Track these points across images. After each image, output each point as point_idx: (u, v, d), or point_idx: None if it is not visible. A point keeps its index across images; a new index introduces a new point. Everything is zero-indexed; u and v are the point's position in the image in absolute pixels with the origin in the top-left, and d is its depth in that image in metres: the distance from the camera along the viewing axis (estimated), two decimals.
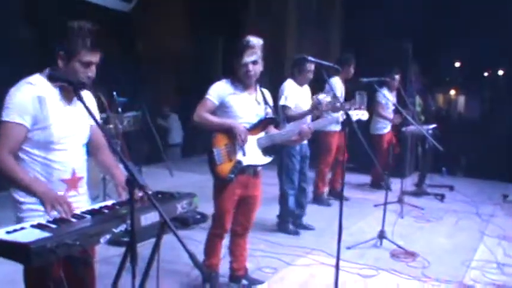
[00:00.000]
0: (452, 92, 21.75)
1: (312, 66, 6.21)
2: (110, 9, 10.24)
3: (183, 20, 12.83)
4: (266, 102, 4.44)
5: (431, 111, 10.07)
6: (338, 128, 7.63)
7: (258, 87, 4.44)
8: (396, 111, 8.72)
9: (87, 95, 3.15)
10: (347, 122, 4.09)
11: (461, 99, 21.21)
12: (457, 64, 19.05)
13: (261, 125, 4.40)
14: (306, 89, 6.45)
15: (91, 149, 3.28)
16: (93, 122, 3.10)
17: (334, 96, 5.93)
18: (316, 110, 5.81)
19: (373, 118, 8.78)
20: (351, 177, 9.87)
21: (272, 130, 4.46)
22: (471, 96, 19.91)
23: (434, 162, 9.55)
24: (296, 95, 6.24)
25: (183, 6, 12.79)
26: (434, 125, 8.94)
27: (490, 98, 17.45)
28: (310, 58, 4.76)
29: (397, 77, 8.91)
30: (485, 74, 19.06)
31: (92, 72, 2.95)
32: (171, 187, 7.79)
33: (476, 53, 14.51)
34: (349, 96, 7.71)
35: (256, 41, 4.23)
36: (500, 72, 18.50)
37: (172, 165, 9.85)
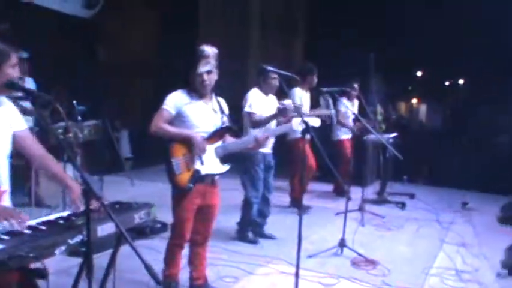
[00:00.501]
0: (414, 101, 21.98)
1: (275, 75, 6.11)
2: (71, 16, 10.09)
3: (149, 27, 12.80)
4: (222, 111, 4.47)
5: (392, 120, 10.08)
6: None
7: (213, 96, 4.48)
8: (356, 120, 8.83)
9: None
10: (306, 130, 4.09)
11: (423, 108, 21.35)
12: (419, 73, 19.31)
13: (218, 134, 4.45)
14: (272, 98, 6.43)
15: (29, 159, 3.18)
16: (18, 129, 3.02)
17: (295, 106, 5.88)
18: (282, 115, 5.78)
19: (333, 126, 8.86)
20: (314, 186, 9.80)
21: (229, 139, 4.53)
22: (432, 105, 20.08)
23: (396, 170, 9.58)
24: (261, 104, 6.23)
25: (148, 13, 12.73)
26: (395, 134, 9.06)
27: (450, 107, 17.65)
28: (269, 68, 4.96)
29: (355, 86, 9.02)
30: (447, 83, 19.30)
31: (17, 72, 2.90)
32: (132, 197, 7.67)
33: (438, 63, 14.69)
34: (315, 105, 8.14)
35: (210, 51, 4.25)
36: (461, 82, 18.77)
37: (134, 175, 9.77)
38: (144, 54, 12.53)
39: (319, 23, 12.56)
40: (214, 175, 4.45)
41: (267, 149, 6.22)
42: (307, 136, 4.10)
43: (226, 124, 4.48)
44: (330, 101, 7.80)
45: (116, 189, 8.60)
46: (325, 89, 7.29)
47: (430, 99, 20.26)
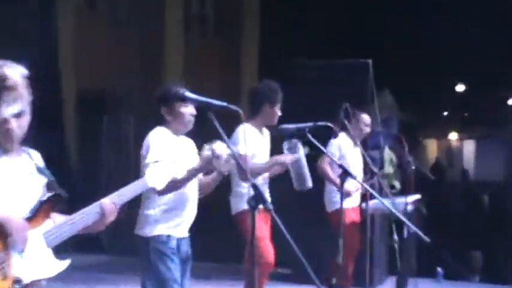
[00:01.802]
0: (453, 136, 21.72)
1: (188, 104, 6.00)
2: None
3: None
4: (41, 171, 4.32)
5: (410, 172, 9.39)
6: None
7: (24, 149, 4.33)
8: (345, 174, 7.93)
9: None
10: (256, 196, 4.33)
11: (469, 147, 21.40)
12: (460, 88, 18.85)
13: (43, 209, 4.22)
14: (184, 140, 6.20)
15: None
16: None
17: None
18: (207, 168, 5.75)
19: (326, 186, 8.66)
20: None
21: (58, 218, 4.30)
22: (486, 142, 20.02)
23: (422, 259, 9.65)
24: (169, 147, 5.97)
25: None
26: (416, 196, 8.85)
27: None
28: (184, 93, 5.20)
29: (345, 115, 8.52)
30: (511, 101, 19.22)
31: None
32: None
33: (490, 69, 14.75)
34: (276, 152, 7.84)
35: (16, 77, 3.99)
36: None
37: None
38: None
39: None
40: (43, 280, 4.19)
41: (182, 231, 5.96)
42: (261, 207, 4.33)
43: (54, 191, 4.20)
44: (299, 148, 7.40)
45: None
46: (289, 126, 6.81)
47: (481, 132, 20.20)
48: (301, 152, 7.34)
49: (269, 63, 14.22)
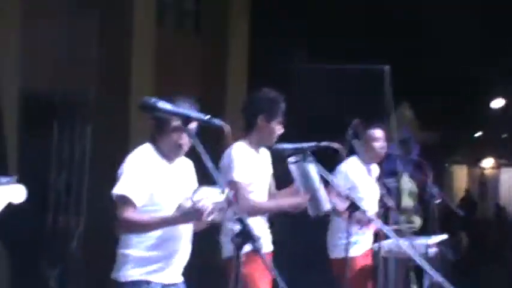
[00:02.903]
0: (488, 163, 21.84)
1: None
2: None
3: None
4: None
5: (434, 206, 9.37)
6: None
7: None
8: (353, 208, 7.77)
9: None
10: (242, 234, 4.45)
11: (507, 177, 21.44)
12: (497, 104, 19.21)
13: None
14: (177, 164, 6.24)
15: None
16: None
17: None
18: (189, 219, 5.67)
19: (331, 225, 8.71)
20: None
21: None
22: None
23: None
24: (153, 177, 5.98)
25: None
26: (441, 237, 8.79)
27: None
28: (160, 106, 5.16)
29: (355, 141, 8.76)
30: None
31: None
32: None
33: None
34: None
35: None
36: None
37: None
38: None
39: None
40: None
41: (170, 276, 5.90)
42: (248, 249, 4.42)
43: None
44: (309, 166, 7.33)
45: None
46: (286, 146, 6.91)
47: None
48: (311, 166, 7.25)
49: (261, 67, 14.25)
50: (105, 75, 13.25)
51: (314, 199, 7.24)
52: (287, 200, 7.40)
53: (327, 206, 7.33)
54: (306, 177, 7.26)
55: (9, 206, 13.02)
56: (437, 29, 14.39)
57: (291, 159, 7.24)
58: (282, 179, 7.27)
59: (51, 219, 13.36)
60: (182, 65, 15.19)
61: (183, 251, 5.76)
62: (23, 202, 13.52)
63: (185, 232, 5.88)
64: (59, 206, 13.21)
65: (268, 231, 7.17)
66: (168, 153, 6.07)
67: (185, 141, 5.92)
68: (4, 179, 4.78)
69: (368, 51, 11.94)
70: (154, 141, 6.03)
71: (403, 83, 10.62)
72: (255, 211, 6.86)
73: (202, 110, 5.28)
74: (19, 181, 11.31)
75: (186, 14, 16.91)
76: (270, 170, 7.19)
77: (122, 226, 5.78)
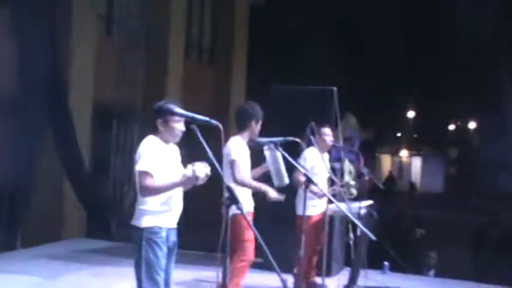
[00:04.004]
0: (404, 153, 21.91)
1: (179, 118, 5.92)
2: None
3: None
4: None
5: (365, 182, 9.36)
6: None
7: None
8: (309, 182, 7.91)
9: None
10: (231, 198, 4.52)
11: (416, 163, 21.43)
12: (411, 114, 19.11)
13: None
14: (172, 147, 6.11)
15: None
16: None
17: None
18: (191, 184, 5.62)
19: (297, 195, 8.40)
20: (255, 278, 8.74)
21: None
22: (430, 158, 20.01)
23: (372, 254, 9.45)
24: (158, 155, 5.93)
25: None
26: (368, 202, 8.75)
27: (457, 160, 17.36)
28: (172, 108, 5.35)
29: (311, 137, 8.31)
30: (451, 126, 19.02)
31: None
32: None
33: (438, 98, 14.80)
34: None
35: None
36: (472, 125, 18.39)
37: None
38: None
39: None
40: None
41: (171, 222, 5.89)
42: (234, 210, 4.60)
43: None
44: (277, 155, 7.41)
45: None
46: (262, 140, 7.19)
47: (426, 150, 20.23)
48: (279, 153, 7.37)
49: (254, 87, 14.34)
50: (148, 93, 13.82)
51: (279, 175, 7.39)
52: (263, 186, 7.47)
53: (286, 180, 7.41)
54: (275, 160, 7.39)
55: (86, 179, 12.74)
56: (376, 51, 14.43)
57: (265, 148, 7.42)
58: (259, 160, 7.42)
59: (112, 187, 13.37)
60: (201, 87, 16.10)
61: (179, 205, 5.83)
62: (96, 175, 13.17)
63: (180, 192, 5.94)
64: (117, 179, 13.25)
65: (251, 197, 7.24)
66: (168, 140, 6.07)
67: (182, 130, 6.03)
68: None
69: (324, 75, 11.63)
70: (155, 133, 6.02)
71: (349, 98, 10.30)
72: (243, 183, 7.09)
73: (213, 117, 5.27)
74: (90, 160, 10.64)
75: (205, 50, 18.27)
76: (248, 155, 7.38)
77: (145, 190, 5.83)
